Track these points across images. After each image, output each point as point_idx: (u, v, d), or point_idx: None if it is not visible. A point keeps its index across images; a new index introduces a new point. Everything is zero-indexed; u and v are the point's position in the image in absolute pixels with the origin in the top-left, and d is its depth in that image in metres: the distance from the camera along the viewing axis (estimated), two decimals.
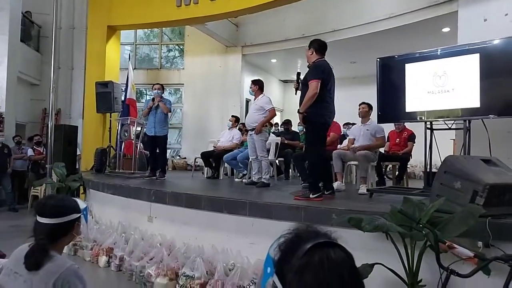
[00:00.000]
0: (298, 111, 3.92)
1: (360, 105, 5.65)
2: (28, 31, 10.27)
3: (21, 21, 9.47)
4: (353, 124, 6.43)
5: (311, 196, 3.90)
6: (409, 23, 7.68)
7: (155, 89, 6.41)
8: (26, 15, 10.04)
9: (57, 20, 8.34)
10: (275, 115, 5.74)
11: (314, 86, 3.87)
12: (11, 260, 1.69)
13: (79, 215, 1.78)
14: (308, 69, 4.17)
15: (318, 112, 3.94)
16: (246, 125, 5.93)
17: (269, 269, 0.76)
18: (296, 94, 4.24)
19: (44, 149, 8.52)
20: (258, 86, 5.67)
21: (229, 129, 7.57)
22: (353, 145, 5.39)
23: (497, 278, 2.22)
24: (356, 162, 5.44)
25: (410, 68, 4.29)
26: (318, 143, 4.15)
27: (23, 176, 8.57)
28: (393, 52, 4.82)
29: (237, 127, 7.74)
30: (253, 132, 5.49)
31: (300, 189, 4.45)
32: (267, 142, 6.07)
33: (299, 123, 8.30)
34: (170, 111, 6.45)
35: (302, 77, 4.29)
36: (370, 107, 5.44)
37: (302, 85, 4.15)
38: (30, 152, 8.64)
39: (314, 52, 4.09)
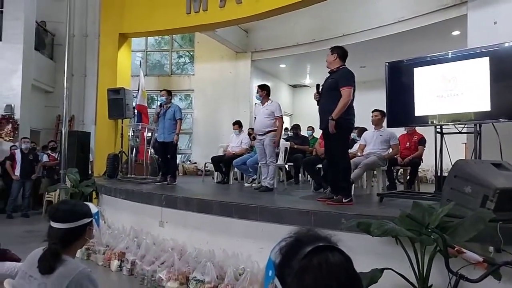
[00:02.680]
0: (331, 118, 3.88)
1: (372, 112, 5.64)
2: (42, 40, 10.50)
3: (35, 30, 9.70)
4: (362, 128, 6.40)
5: (344, 200, 3.95)
6: (418, 27, 7.65)
7: (161, 96, 6.48)
8: (41, 24, 10.28)
9: (70, 29, 8.54)
10: (283, 122, 5.78)
11: (348, 93, 3.91)
12: (25, 264, 1.73)
13: (91, 219, 1.82)
14: (329, 74, 4.19)
15: (346, 117, 3.98)
16: (255, 130, 5.94)
17: (270, 273, 0.78)
18: (318, 105, 4.25)
19: (58, 155, 8.68)
20: (266, 92, 5.69)
21: (236, 135, 7.62)
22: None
23: (508, 283, 2.21)
24: None
25: (419, 72, 4.27)
26: (347, 148, 4.32)
27: (38, 182, 8.72)
28: (403, 56, 4.80)
29: (246, 132, 7.77)
30: (263, 137, 5.53)
31: (327, 194, 4.48)
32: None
33: (308, 127, 8.37)
34: (181, 119, 6.48)
35: (323, 82, 4.29)
36: (383, 114, 5.41)
37: (327, 89, 4.14)
38: (45, 158, 8.81)
39: (338, 58, 4.11)
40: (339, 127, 3.93)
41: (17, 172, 7.83)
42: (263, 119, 5.60)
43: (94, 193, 6.85)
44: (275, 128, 5.51)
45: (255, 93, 7.43)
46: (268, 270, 0.79)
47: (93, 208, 1.91)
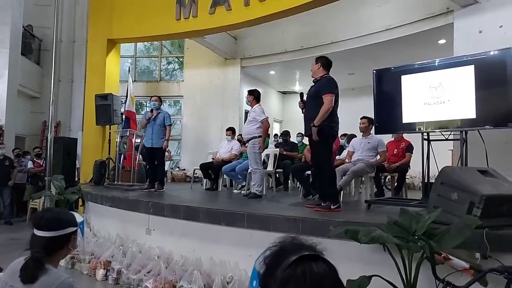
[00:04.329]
0: (313, 125, 3.94)
1: (360, 119, 5.68)
2: (29, 45, 10.38)
3: (22, 35, 9.58)
4: (352, 135, 6.44)
5: (332, 207, 3.96)
6: (406, 35, 7.75)
7: (152, 101, 6.45)
8: (27, 29, 10.16)
9: (58, 34, 8.45)
10: (269, 125, 5.75)
11: (329, 100, 3.96)
12: (6, 273, 1.68)
13: (75, 228, 1.78)
14: (313, 82, 4.26)
15: (329, 124, 4.03)
16: (242, 137, 5.96)
17: (255, 283, 0.77)
18: (303, 113, 4.30)
19: (44, 162, 8.54)
20: (253, 97, 5.71)
21: (228, 142, 7.59)
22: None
23: None
24: None
25: (406, 80, 4.32)
26: (331, 155, 4.36)
27: (22, 189, 8.56)
28: (390, 63, 4.86)
29: (236, 139, 7.76)
30: (247, 144, 5.54)
31: (315, 201, 4.49)
32: (265, 153, 6.08)
33: (298, 134, 8.39)
34: (171, 124, 6.49)
35: (307, 91, 4.33)
36: (370, 121, 5.45)
37: (310, 97, 4.19)
38: (30, 164, 8.65)
39: (321, 67, 4.20)
40: (322, 134, 3.98)
41: None
42: (247, 125, 5.65)
43: (80, 200, 6.74)
44: (256, 135, 5.50)
45: (244, 100, 7.46)
46: (253, 280, 0.78)
47: (78, 217, 1.88)
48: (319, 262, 0.75)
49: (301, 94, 4.37)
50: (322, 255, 0.78)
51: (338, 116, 4.19)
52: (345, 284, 2.35)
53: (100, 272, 4.43)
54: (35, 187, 8.48)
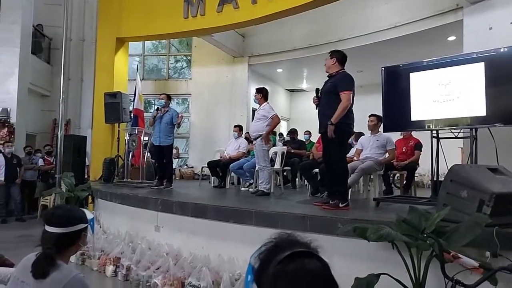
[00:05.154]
0: (330, 123, 3.87)
1: (369, 117, 5.65)
2: (39, 44, 10.49)
3: (33, 34, 9.69)
4: (359, 133, 6.41)
5: (340, 205, 3.93)
6: (414, 32, 7.68)
7: (160, 99, 6.48)
8: (38, 28, 10.27)
9: (68, 33, 8.55)
10: (279, 120, 5.74)
11: (348, 97, 3.90)
12: (18, 269, 1.71)
13: (86, 225, 1.81)
14: (327, 77, 4.19)
15: (345, 122, 3.96)
16: (250, 134, 5.96)
17: (249, 277, 0.78)
18: (316, 109, 4.24)
19: (54, 159, 8.64)
20: (261, 95, 5.71)
21: (235, 139, 7.60)
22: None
23: None
24: None
25: (415, 77, 4.29)
26: (345, 153, 4.36)
27: (33, 186, 8.67)
28: (399, 60, 4.82)
29: (243, 136, 7.76)
30: (255, 142, 5.54)
31: (324, 198, 4.46)
32: (272, 151, 6.08)
33: (305, 132, 8.37)
34: (179, 126, 6.53)
35: (322, 86, 4.27)
36: (379, 119, 5.42)
37: (325, 92, 4.12)
38: (40, 162, 8.76)
39: (336, 62, 4.10)
40: (338, 132, 3.91)
41: (1, 177, 7.80)
42: (255, 123, 5.65)
43: (89, 197, 6.81)
44: (264, 132, 5.51)
45: (252, 98, 7.45)
46: (247, 275, 0.80)
47: (88, 214, 1.90)
48: (311, 258, 0.76)
49: (318, 90, 4.30)
50: (316, 252, 0.78)
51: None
52: (353, 282, 2.35)
53: (110, 269, 4.48)
54: (45, 184, 8.59)
